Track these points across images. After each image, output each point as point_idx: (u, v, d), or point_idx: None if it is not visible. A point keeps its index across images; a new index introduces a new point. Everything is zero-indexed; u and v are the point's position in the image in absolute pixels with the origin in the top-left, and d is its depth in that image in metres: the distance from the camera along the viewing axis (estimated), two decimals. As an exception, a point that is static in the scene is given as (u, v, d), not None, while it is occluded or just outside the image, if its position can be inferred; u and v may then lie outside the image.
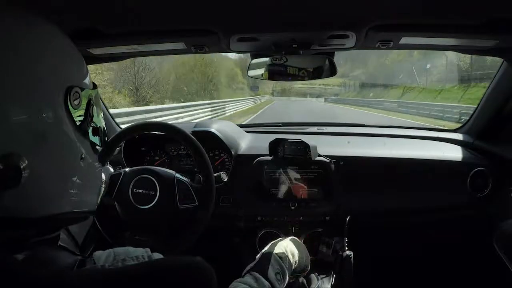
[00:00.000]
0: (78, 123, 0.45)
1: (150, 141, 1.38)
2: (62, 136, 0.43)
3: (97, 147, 0.51)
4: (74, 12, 0.81)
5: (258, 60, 1.10)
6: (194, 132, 1.30)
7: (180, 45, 1.03)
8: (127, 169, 0.99)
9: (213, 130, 1.31)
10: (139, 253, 0.51)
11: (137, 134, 1.10)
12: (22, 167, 0.38)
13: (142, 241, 0.94)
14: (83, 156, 0.47)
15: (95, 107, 0.50)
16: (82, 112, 0.46)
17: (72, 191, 0.45)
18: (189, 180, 1.00)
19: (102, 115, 0.54)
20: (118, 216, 0.95)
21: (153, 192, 0.94)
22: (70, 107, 0.44)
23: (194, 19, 0.88)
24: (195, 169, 1.35)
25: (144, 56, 1.24)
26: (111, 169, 1.01)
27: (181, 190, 0.95)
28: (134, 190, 0.94)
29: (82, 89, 0.46)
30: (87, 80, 0.49)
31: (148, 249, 0.54)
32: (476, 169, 1.26)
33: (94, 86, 0.52)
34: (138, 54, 1.17)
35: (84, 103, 0.47)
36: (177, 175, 0.98)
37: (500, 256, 1.18)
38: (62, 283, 0.39)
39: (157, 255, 0.54)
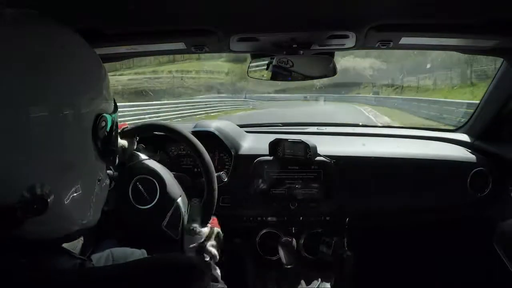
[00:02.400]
0: (101, 149, 0.45)
1: (150, 141, 1.37)
2: (86, 164, 0.44)
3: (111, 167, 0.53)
4: (74, 12, 0.81)
5: (258, 60, 1.09)
6: (194, 132, 1.30)
7: (180, 45, 1.03)
8: (144, 159, 0.96)
9: (213, 130, 1.31)
10: (135, 257, 0.51)
11: (139, 136, 1.10)
12: (47, 194, 0.38)
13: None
14: (99, 179, 0.47)
15: (116, 131, 0.49)
16: (105, 137, 0.46)
17: (90, 212, 0.47)
18: (186, 211, 0.95)
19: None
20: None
21: (149, 199, 0.92)
22: (96, 136, 0.44)
23: (194, 19, 0.88)
24: (195, 169, 1.35)
25: (144, 56, 1.23)
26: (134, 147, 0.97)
27: (173, 217, 0.91)
28: (137, 183, 0.93)
29: (109, 115, 0.46)
30: (112, 103, 0.48)
31: (144, 251, 0.54)
32: (476, 169, 1.26)
33: (115, 107, 0.51)
34: (138, 54, 1.17)
35: (108, 129, 0.46)
36: (179, 200, 0.94)
37: (500, 256, 1.18)
38: (63, 283, 0.39)
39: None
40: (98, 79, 0.45)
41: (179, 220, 0.91)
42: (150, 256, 0.49)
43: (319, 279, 1.17)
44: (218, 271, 0.81)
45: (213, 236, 0.87)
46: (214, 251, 0.84)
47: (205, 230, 0.86)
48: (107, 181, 0.52)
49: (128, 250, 0.52)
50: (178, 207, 0.93)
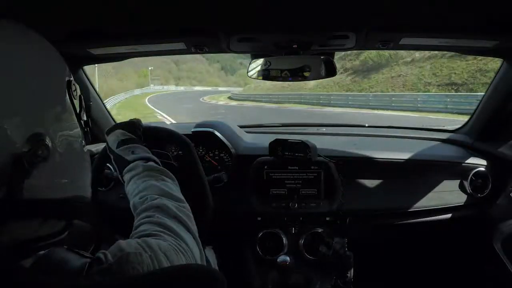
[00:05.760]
0: (78, 112, 0.50)
1: (150, 141, 1.37)
2: (71, 120, 0.48)
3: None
4: (74, 12, 0.81)
5: (258, 60, 1.09)
6: (194, 132, 1.30)
7: (180, 45, 1.03)
8: None
9: (213, 130, 1.30)
10: (137, 250, 0.50)
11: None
12: (49, 145, 0.42)
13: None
14: (83, 143, 0.51)
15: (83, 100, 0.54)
16: (77, 103, 0.51)
17: (80, 173, 0.49)
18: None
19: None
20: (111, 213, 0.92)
21: None
22: (73, 98, 0.49)
23: (194, 19, 0.88)
24: None
25: (144, 56, 1.23)
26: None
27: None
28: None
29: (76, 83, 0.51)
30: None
31: (143, 244, 0.53)
32: (476, 170, 1.26)
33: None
34: (138, 54, 1.17)
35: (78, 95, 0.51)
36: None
37: (500, 256, 1.18)
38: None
39: (155, 250, 0.53)
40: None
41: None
42: (170, 266, 0.49)
43: (319, 279, 1.17)
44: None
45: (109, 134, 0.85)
46: (115, 132, 0.84)
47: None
48: (87, 153, 0.55)
49: (123, 244, 0.51)
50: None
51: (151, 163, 0.76)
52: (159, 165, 0.77)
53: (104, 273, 0.43)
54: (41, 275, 0.40)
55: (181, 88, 49.12)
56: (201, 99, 25.55)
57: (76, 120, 0.49)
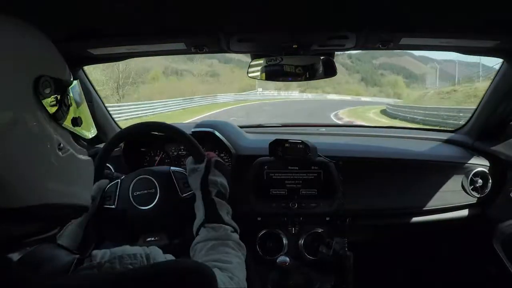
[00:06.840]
0: (52, 112, 0.45)
1: (150, 141, 1.38)
2: (33, 123, 0.42)
3: (82, 137, 0.51)
4: (74, 12, 0.81)
5: (258, 61, 1.09)
6: (194, 132, 1.30)
7: (180, 45, 1.04)
8: (122, 176, 0.97)
9: (213, 130, 1.31)
10: (136, 251, 0.50)
11: (138, 135, 1.09)
12: None
13: (153, 242, 0.93)
14: (61, 146, 0.45)
15: (72, 97, 0.49)
16: (55, 101, 0.45)
17: (54, 181, 0.44)
18: (184, 169, 0.97)
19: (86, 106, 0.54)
20: (124, 223, 0.93)
21: (153, 190, 0.93)
22: (40, 96, 0.43)
23: (194, 19, 0.88)
24: None
25: (144, 56, 1.23)
26: (107, 180, 0.99)
27: (179, 180, 0.94)
28: (134, 193, 0.93)
29: (55, 79, 0.45)
30: (61, 70, 0.48)
31: (145, 247, 0.53)
32: (476, 170, 1.26)
33: (70, 78, 0.51)
34: (138, 54, 1.17)
35: (57, 92, 0.46)
36: (172, 168, 0.98)
37: (500, 256, 1.18)
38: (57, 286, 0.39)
39: (156, 251, 0.53)
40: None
41: (186, 176, 0.93)
42: (157, 262, 0.49)
43: (319, 280, 1.16)
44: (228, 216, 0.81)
45: (212, 165, 0.86)
46: (219, 179, 0.84)
47: (203, 165, 0.87)
48: (83, 156, 0.50)
49: (127, 247, 0.51)
50: (175, 170, 0.96)
51: (236, 235, 0.79)
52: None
53: (93, 269, 0.43)
54: (27, 271, 0.40)
55: (308, 96, 36.75)
56: (332, 116, 14.53)
57: (47, 121, 0.44)
